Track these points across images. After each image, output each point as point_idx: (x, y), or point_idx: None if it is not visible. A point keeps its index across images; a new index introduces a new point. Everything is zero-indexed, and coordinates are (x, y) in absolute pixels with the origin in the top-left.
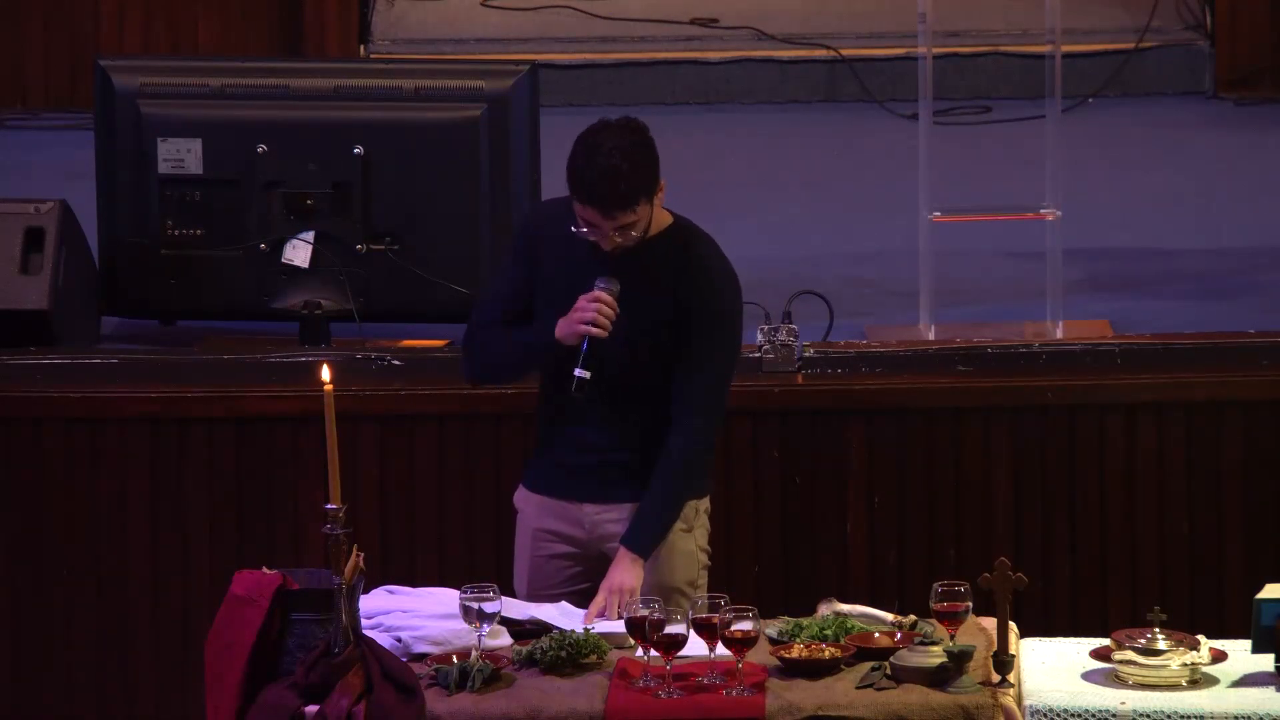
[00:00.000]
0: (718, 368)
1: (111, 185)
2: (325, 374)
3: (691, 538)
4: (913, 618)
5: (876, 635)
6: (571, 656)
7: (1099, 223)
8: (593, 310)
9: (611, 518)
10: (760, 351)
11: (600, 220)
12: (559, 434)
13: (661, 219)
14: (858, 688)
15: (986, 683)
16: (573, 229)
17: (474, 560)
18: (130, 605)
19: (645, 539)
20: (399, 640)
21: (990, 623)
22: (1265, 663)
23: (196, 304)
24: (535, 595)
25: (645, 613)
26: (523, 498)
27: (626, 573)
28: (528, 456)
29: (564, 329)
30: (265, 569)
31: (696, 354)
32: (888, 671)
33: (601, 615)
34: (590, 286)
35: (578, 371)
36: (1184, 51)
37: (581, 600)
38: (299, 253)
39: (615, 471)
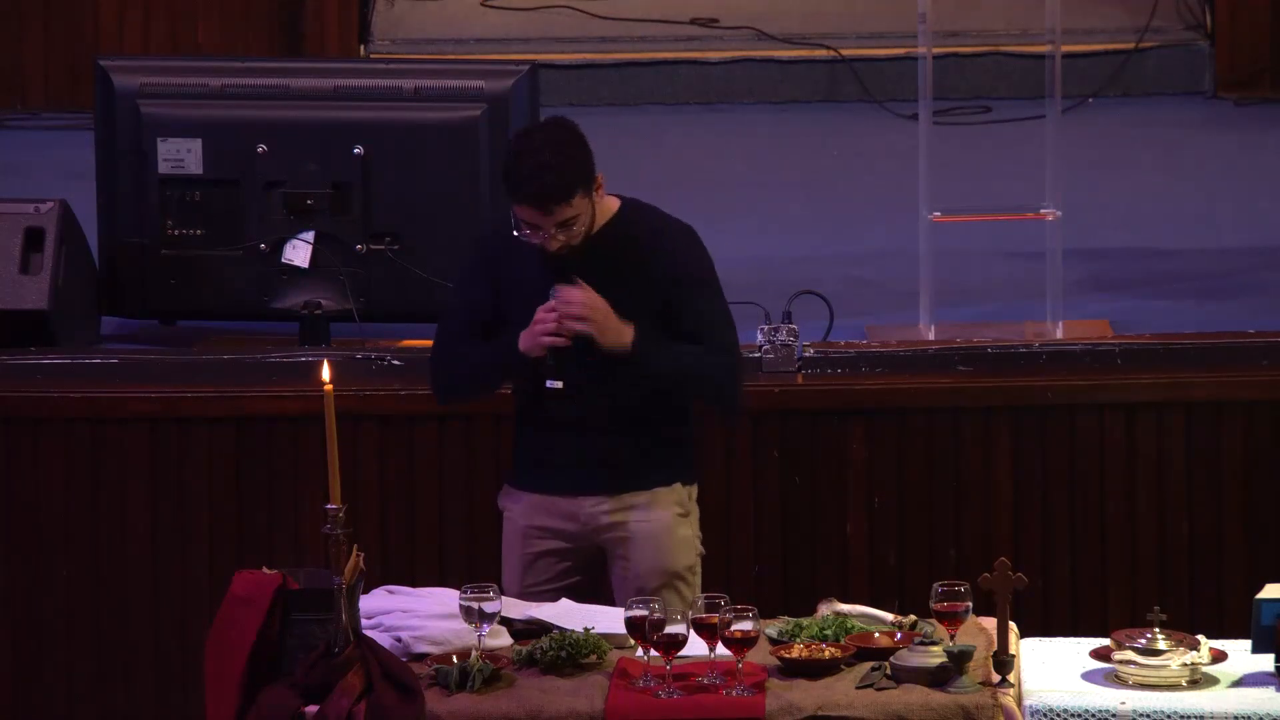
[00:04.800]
0: (714, 310)
1: (111, 185)
2: (325, 374)
3: (688, 523)
4: (913, 618)
5: (876, 635)
6: (571, 656)
7: (1099, 223)
8: (552, 321)
9: (607, 509)
10: (760, 351)
11: (538, 218)
12: (549, 430)
13: (608, 207)
14: (858, 688)
15: (986, 683)
16: (514, 233)
17: (474, 560)
18: (130, 605)
19: (653, 342)
20: (399, 640)
21: (990, 623)
22: (1265, 663)
23: (196, 304)
24: (527, 593)
25: (645, 613)
26: (511, 497)
27: (612, 317)
28: (509, 456)
29: (526, 342)
30: (265, 569)
31: (688, 312)
32: (888, 671)
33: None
34: (549, 296)
35: (549, 383)
36: (1184, 51)
37: (574, 595)
38: (299, 253)
39: (610, 462)
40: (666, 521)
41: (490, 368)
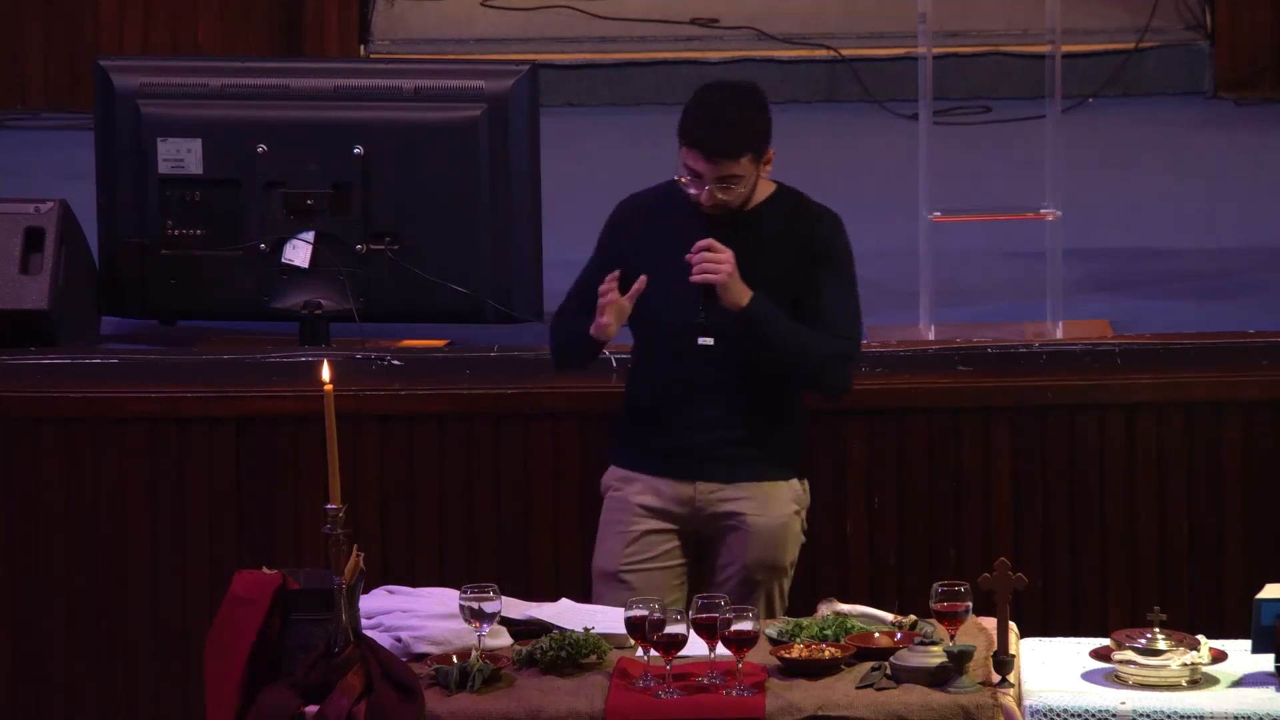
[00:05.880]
0: (842, 296)
1: (111, 185)
2: (325, 374)
3: (800, 519)
4: (913, 618)
5: (876, 635)
6: (571, 656)
7: (1099, 223)
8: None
9: (722, 495)
10: None
11: (703, 165)
12: (670, 413)
13: (765, 189)
14: (858, 688)
15: (986, 683)
16: (674, 178)
17: (474, 560)
18: (130, 605)
19: (769, 305)
20: (399, 640)
21: (990, 623)
22: (1265, 663)
23: (196, 304)
24: (625, 569)
25: (645, 613)
26: (620, 477)
27: (737, 275)
28: (615, 436)
29: (597, 329)
30: (265, 569)
31: (816, 293)
32: (888, 671)
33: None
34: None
35: (700, 340)
36: (1184, 51)
37: (674, 574)
38: (299, 253)
39: (733, 449)
40: (783, 518)
41: (581, 342)
